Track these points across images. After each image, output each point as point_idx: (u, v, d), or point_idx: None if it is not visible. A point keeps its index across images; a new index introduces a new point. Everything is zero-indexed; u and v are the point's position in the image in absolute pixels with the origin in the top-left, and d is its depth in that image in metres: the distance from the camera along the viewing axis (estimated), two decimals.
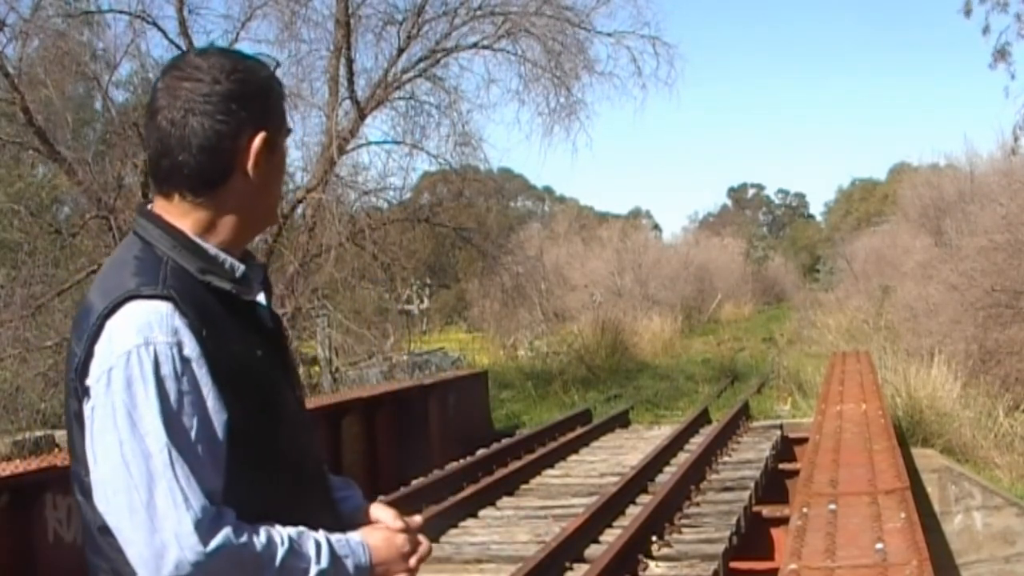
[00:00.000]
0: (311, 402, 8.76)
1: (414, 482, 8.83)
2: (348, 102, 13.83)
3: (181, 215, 1.62)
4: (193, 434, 1.49)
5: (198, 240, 1.61)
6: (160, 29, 12.58)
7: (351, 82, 13.80)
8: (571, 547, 6.33)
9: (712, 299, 39.99)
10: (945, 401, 12.17)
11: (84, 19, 12.72)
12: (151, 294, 1.53)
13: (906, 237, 28.99)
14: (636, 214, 69.85)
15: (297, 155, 14.22)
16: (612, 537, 6.54)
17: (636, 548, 6.26)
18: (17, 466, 6.01)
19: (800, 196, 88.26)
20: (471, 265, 18.57)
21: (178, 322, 1.51)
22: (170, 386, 1.49)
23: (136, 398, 1.48)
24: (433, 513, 7.13)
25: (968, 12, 14.02)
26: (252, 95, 1.62)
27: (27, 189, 14.15)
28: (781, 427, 11.55)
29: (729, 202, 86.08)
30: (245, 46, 13.04)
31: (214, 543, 1.45)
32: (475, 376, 13.64)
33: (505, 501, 8.40)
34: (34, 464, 6.05)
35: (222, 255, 1.63)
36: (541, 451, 10.36)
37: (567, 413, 13.73)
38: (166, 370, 1.49)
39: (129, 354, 1.49)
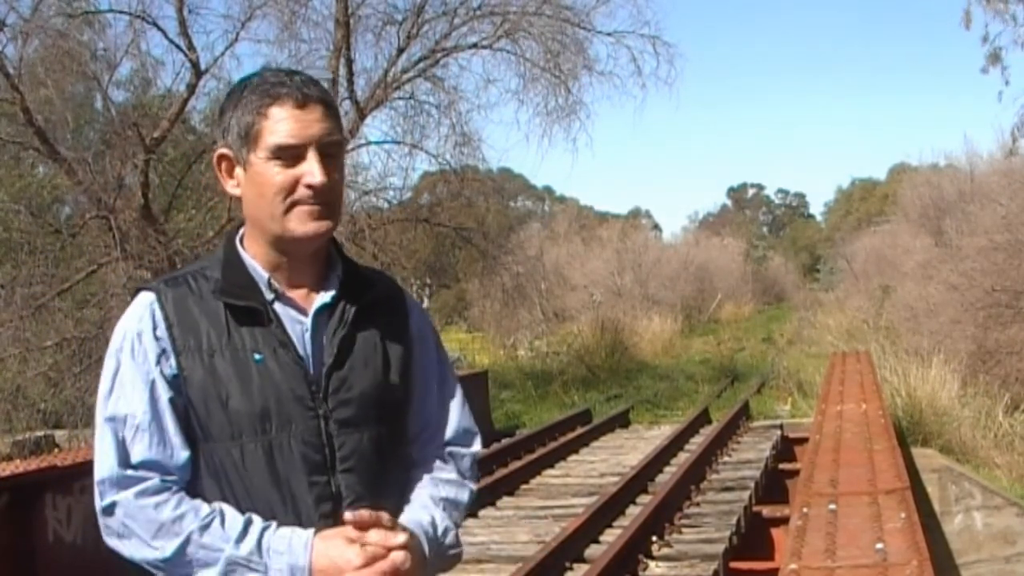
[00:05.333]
0: None
1: None
2: (348, 102, 13.83)
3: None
4: (129, 408, 1.69)
5: (240, 251, 1.79)
6: (160, 29, 12.56)
7: (351, 82, 13.80)
8: (571, 547, 6.33)
9: (712, 299, 39.98)
10: (945, 401, 12.17)
11: (84, 19, 12.69)
12: (149, 287, 1.77)
13: (906, 237, 28.98)
14: (636, 214, 69.95)
15: None
16: (612, 537, 6.54)
17: (636, 548, 6.26)
18: (17, 466, 6.02)
19: (800, 196, 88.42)
20: (471, 265, 18.57)
21: (147, 311, 1.72)
22: (124, 364, 1.71)
23: (103, 372, 1.74)
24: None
25: (968, 23, 14.03)
26: (221, 110, 1.78)
27: (27, 189, 14.14)
28: (781, 427, 11.55)
29: (729, 202, 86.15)
30: (245, 46, 13.08)
31: (107, 500, 1.67)
32: (475, 376, 13.64)
33: (505, 501, 8.40)
34: (34, 464, 6.05)
35: (256, 265, 1.77)
36: (541, 451, 10.37)
37: (567, 413, 13.74)
38: (126, 351, 1.71)
39: (114, 335, 1.75)
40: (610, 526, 7.13)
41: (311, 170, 1.70)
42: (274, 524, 1.66)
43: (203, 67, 12.51)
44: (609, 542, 6.38)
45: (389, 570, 1.63)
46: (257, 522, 1.65)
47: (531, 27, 14.37)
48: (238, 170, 1.75)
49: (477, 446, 1.93)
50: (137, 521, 1.65)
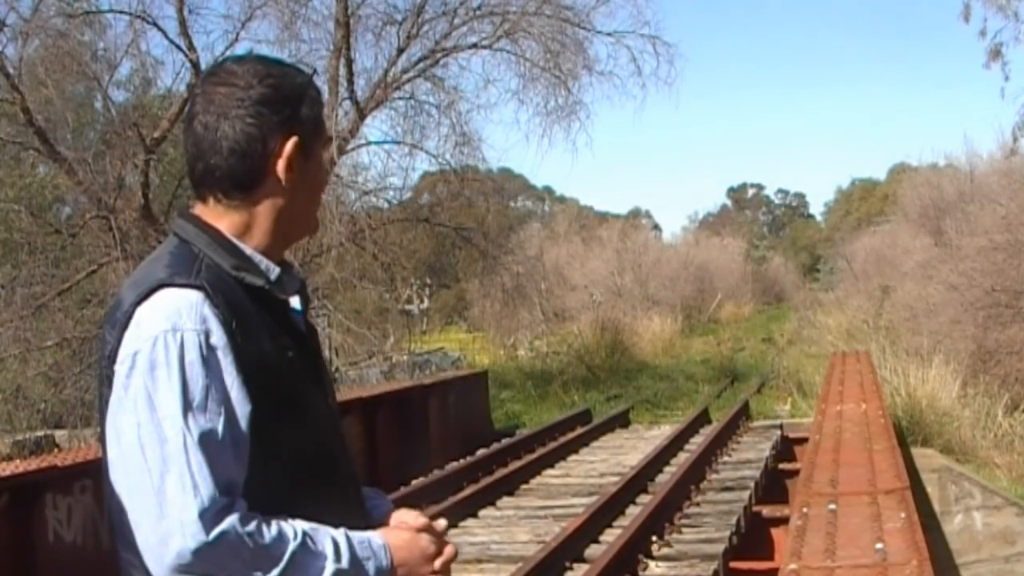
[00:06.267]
0: None
1: (414, 482, 8.83)
2: (348, 102, 13.86)
3: (217, 218, 1.65)
4: (213, 422, 1.49)
5: (234, 240, 1.64)
6: (160, 29, 12.59)
7: (351, 82, 13.82)
8: (571, 547, 6.33)
9: (712, 299, 39.98)
10: (945, 401, 12.18)
11: (84, 19, 12.71)
12: (183, 283, 1.55)
13: (906, 237, 28.98)
14: (636, 214, 69.92)
15: None
16: (612, 537, 6.54)
17: (636, 548, 6.26)
18: (17, 466, 6.01)
19: (800, 196, 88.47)
20: (471, 265, 18.57)
21: (207, 311, 1.53)
22: (194, 372, 1.50)
23: (158, 382, 1.49)
24: (433, 513, 7.13)
25: (967, 17, 14.04)
26: (284, 100, 1.65)
27: (28, 189, 14.15)
28: (781, 427, 11.55)
29: (729, 202, 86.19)
30: (245, 46, 13.07)
31: (216, 531, 1.44)
32: (475, 376, 13.64)
33: (505, 501, 8.40)
34: (34, 464, 6.05)
35: (258, 256, 1.65)
36: (541, 451, 10.37)
37: (567, 413, 13.73)
38: (192, 356, 1.50)
39: (156, 339, 1.50)
40: (610, 526, 7.13)
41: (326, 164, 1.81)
42: (342, 530, 1.59)
43: (203, 67, 12.51)
44: (609, 542, 6.38)
45: (453, 553, 1.72)
46: (335, 530, 1.58)
47: (531, 27, 14.38)
48: (299, 161, 1.66)
49: None
50: (243, 550, 1.47)
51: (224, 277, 1.59)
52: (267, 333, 1.60)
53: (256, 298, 1.61)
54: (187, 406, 1.48)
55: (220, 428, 1.50)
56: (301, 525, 1.54)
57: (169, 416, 1.47)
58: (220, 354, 1.52)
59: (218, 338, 1.52)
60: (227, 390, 1.52)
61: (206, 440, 1.48)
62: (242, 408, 1.52)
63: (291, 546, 1.50)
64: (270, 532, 1.49)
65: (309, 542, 1.53)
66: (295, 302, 1.72)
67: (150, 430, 1.47)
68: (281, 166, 1.64)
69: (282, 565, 1.49)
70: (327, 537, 1.56)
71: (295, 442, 1.61)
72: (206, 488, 1.45)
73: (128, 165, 12.35)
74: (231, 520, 1.46)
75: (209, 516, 1.44)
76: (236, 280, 1.60)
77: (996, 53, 14.03)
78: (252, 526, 1.48)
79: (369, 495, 1.82)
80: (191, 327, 1.51)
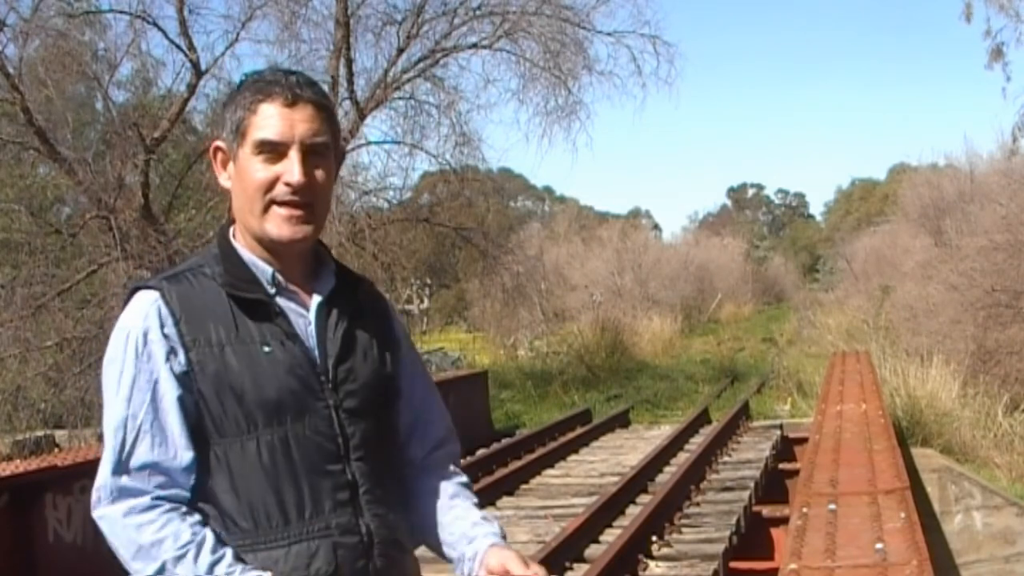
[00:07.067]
0: None
1: None
2: (348, 102, 13.83)
3: (235, 225, 1.82)
4: (134, 409, 1.66)
5: (236, 246, 1.79)
6: (160, 29, 12.56)
7: (351, 82, 13.80)
8: (571, 547, 6.34)
9: (712, 299, 39.99)
10: (944, 401, 12.17)
11: (84, 19, 12.70)
12: (147, 286, 1.74)
13: (906, 237, 28.97)
14: (636, 214, 69.92)
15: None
16: (612, 537, 6.55)
17: (636, 548, 6.26)
18: (17, 466, 6.01)
19: (800, 196, 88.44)
20: (471, 265, 18.57)
21: (152, 309, 1.69)
22: (128, 365, 1.68)
23: (108, 374, 1.70)
24: None
25: (968, 16, 14.02)
26: (224, 107, 1.79)
27: (28, 189, 14.13)
28: (781, 427, 11.55)
29: (729, 202, 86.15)
30: (245, 46, 13.10)
31: (96, 512, 1.66)
32: (475, 376, 13.64)
33: (505, 501, 8.40)
34: (34, 464, 6.05)
35: (255, 260, 1.77)
36: (541, 451, 10.37)
37: (567, 413, 13.75)
38: (130, 351, 1.68)
39: (114, 336, 1.72)
40: (610, 526, 7.13)
41: (290, 168, 1.71)
42: (240, 567, 1.63)
43: (203, 67, 12.52)
44: (609, 542, 6.38)
45: None
46: (224, 563, 1.62)
47: (531, 27, 14.36)
48: (230, 165, 1.77)
49: (459, 442, 1.99)
50: (119, 539, 1.64)
51: (203, 279, 1.74)
52: (235, 331, 1.70)
53: (238, 299, 1.72)
54: (118, 395, 1.68)
55: (140, 415, 1.66)
56: (204, 542, 1.62)
57: (108, 404, 1.69)
58: (156, 347, 1.68)
59: (156, 333, 1.68)
60: (155, 379, 1.67)
61: (119, 426, 1.66)
62: (171, 395, 1.66)
63: (167, 555, 1.61)
64: (154, 534, 1.62)
65: (188, 557, 1.61)
66: (314, 300, 1.78)
67: (105, 416, 1.69)
68: (216, 171, 1.81)
69: (155, 567, 1.62)
70: (206, 561, 1.61)
71: (261, 436, 1.68)
72: (107, 467, 1.66)
73: (128, 165, 12.32)
74: (113, 508, 1.64)
75: (103, 493, 1.66)
76: (216, 284, 1.74)
77: (997, 53, 14.02)
78: (134, 521, 1.63)
79: (473, 523, 1.82)
80: (135, 324, 1.70)
